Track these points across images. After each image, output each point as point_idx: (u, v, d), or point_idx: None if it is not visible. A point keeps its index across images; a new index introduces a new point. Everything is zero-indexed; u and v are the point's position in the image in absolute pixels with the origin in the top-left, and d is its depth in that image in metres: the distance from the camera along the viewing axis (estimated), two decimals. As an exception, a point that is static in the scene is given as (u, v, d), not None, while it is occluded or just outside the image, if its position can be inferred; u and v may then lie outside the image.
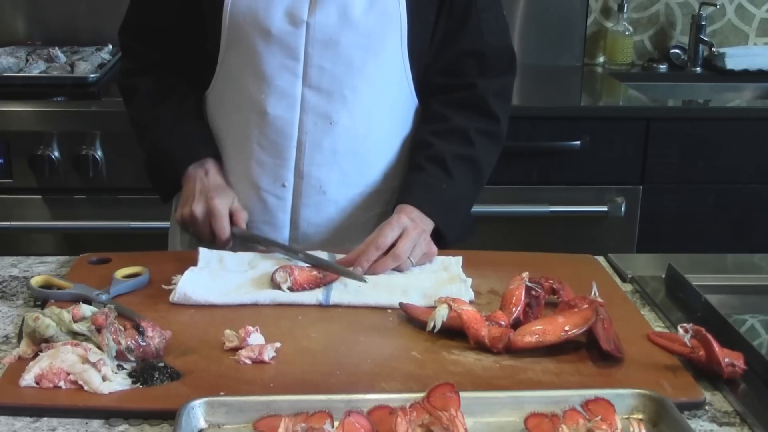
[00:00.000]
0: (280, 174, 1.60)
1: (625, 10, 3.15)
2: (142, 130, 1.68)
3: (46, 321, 1.18)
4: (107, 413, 1.07)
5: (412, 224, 1.49)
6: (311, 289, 1.38)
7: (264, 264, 1.46)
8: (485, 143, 1.62)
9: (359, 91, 1.56)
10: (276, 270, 1.39)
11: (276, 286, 1.37)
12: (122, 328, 1.17)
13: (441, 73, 1.63)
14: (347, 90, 1.56)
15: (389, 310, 1.34)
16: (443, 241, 1.57)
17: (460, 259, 1.50)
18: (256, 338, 1.20)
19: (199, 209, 1.56)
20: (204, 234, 1.57)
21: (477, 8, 1.60)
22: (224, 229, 1.54)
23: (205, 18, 1.60)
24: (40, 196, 2.49)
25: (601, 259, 1.59)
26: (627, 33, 3.17)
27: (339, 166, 1.59)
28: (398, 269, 1.46)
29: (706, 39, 3.15)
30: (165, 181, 1.67)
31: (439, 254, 1.52)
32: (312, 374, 1.15)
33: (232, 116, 1.62)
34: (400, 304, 1.33)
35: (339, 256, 1.48)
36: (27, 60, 2.70)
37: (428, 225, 1.54)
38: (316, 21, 1.52)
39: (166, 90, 1.66)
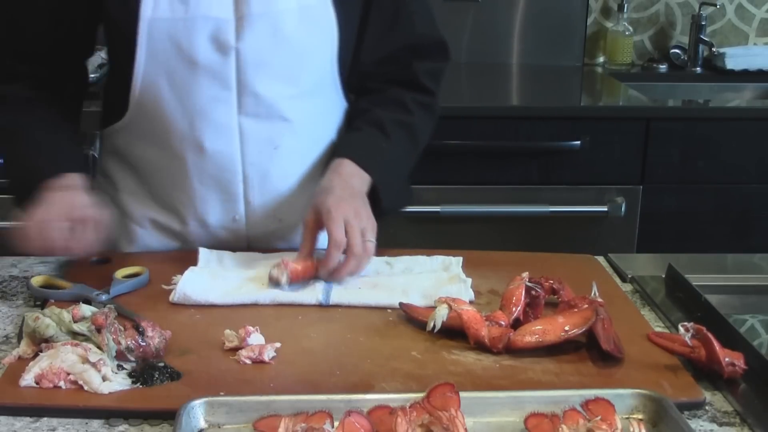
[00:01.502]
0: (228, 208, 1.53)
1: (625, 10, 3.16)
2: (3, 138, 1.52)
3: (46, 321, 1.18)
4: (107, 413, 1.07)
5: (349, 205, 1.41)
6: (310, 278, 1.38)
7: (264, 264, 1.46)
8: (422, 113, 1.60)
9: (296, 109, 1.51)
10: (271, 269, 1.38)
11: (275, 283, 1.37)
12: (122, 328, 1.17)
13: (376, 64, 1.60)
14: (286, 112, 1.49)
15: (389, 310, 1.34)
16: (378, 206, 1.48)
17: (460, 259, 1.50)
18: (256, 338, 1.20)
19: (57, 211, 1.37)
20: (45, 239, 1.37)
21: (405, 1, 1.57)
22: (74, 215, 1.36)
23: (107, 46, 1.50)
24: (40, 196, 2.49)
25: (601, 259, 1.59)
26: (627, 33, 3.17)
27: (291, 190, 1.54)
28: (359, 266, 1.41)
29: (706, 39, 3.16)
30: (21, 194, 1.46)
31: (439, 254, 1.52)
32: (312, 374, 1.15)
33: (160, 152, 1.51)
34: (400, 304, 1.33)
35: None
36: (27, 60, 2.70)
37: (364, 184, 1.48)
38: (246, 45, 1.43)
39: (36, 100, 1.51)
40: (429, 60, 1.62)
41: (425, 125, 1.62)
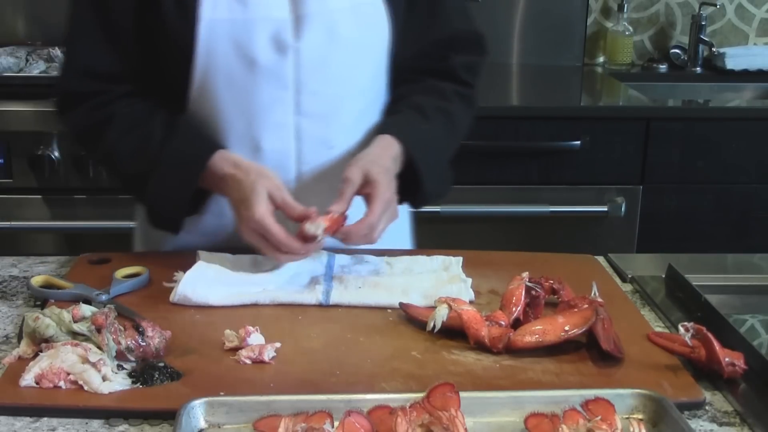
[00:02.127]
0: None
1: (625, 10, 3.15)
2: (130, 153, 1.46)
3: (46, 321, 1.18)
4: (107, 413, 1.07)
5: (391, 186, 1.41)
6: (337, 230, 1.37)
7: (264, 264, 1.46)
8: (460, 103, 1.59)
9: (353, 108, 1.51)
10: (304, 224, 1.35)
11: (311, 238, 1.34)
12: (122, 328, 1.17)
13: (413, 58, 1.59)
14: (343, 111, 1.50)
15: (389, 310, 1.34)
16: (421, 188, 1.49)
17: (460, 259, 1.50)
18: (256, 338, 1.20)
19: (250, 236, 1.37)
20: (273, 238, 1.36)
21: None
22: (257, 210, 1.34)
23: (166, 53, 1.45)
24: (40, 196, 2.49)
25: (601, 259, 1.59)
26: (627, 33, 3.17)
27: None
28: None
29: (706, 39, 3.16)
30: (179, 201, 1.45)
31: (439, 254, 1.52)
32: (312, 374, 1.15)
33: None
34: (400, 304, 1.33)
35: (339, 256, 1.48)
36: (27, 60, 2.70)
37: (397, 163, 1.45)
38: (304, 44, 1.44)
39: (147, 108, 1.48)
40: (466, 53, 1.62)
41: (464, 114, 1.61)
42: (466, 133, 1.63)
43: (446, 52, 1.60)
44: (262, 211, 1.35)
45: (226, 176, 1.41)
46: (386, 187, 1.40)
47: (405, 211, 1.66)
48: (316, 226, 1.34)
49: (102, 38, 1.47)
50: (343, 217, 1.38)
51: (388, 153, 1.46)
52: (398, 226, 1.53)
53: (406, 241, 1.73)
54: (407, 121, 1.52)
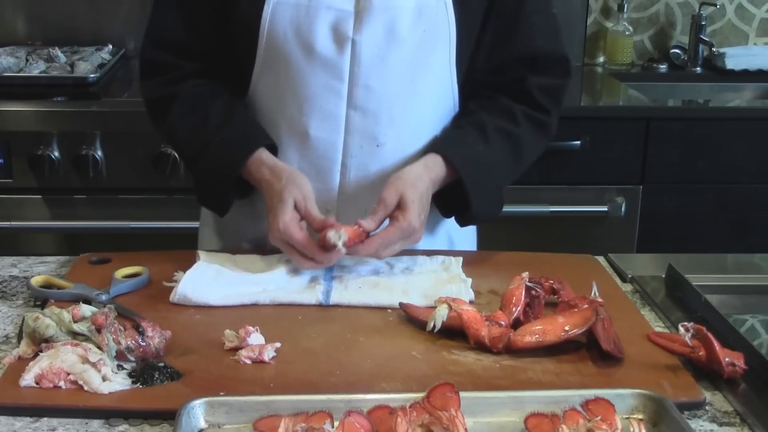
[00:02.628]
0: (323, 198, 1.49)
1: (625, 10, 3.15)
2: (187, 133, 1.53)
3: (46, 321, 1.18)
4: (107, 413, 1.07)
5: (424, 206, 1.41)
6: (361, 242, 1.38)
7: (264, 265, 1.46)
8: (530, 127, 1.55)
9: (408, 109, 1.49)
10: (326, 232, 1.36)
11: (330, 247, 1.35)
12: (122, 328, 1.17)
13: (490, 73, 1.57)
14: (395, 110, 1.48)
15: (389, 310, 1.34)
16: (469, 210, 1.48)
17: (460, 259, 1.50)
18: (256, 338, 1.20)
19: (277, 242, 1.40)
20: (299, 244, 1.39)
21: (527, 11, 1.53)
22: (282, 220, 1.38)
23: (235, 32, 1.50)
24: (40, 196, 2.49)
25: (601, 259, 1.59)
26: (627, 33, 3.17)
27: None
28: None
29: (706, 39, 3.16)
30: (220, 187, 1.49)
31: (438, 254, 1.52)
32: (312, 374, 1.15)
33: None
34: (400, 304, 1.33)
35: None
36: (27, 60, 2.70)
37: (438, 180, 1.46)
38: (363, 38, 1.44)
39: (210, 92, 1.54)
40: (545, 76, 1.56)
41: (533, 140, 1.57)
42: (534, 157, 1.60)
43: (525, 72, 1.55)
44: (287, 220, 1.38)
45: (261, 181, 1.45)
46: (414, 216, 1.40)
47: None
48: (338, 236, 1.35)
49: (179, 14, 1.53)
50: (366, 234, 1.39)
51: (429, 175, 1.45)
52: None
53: (472, 243, 1.74)
54: (464, 140, 1.51)
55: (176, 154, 2.39)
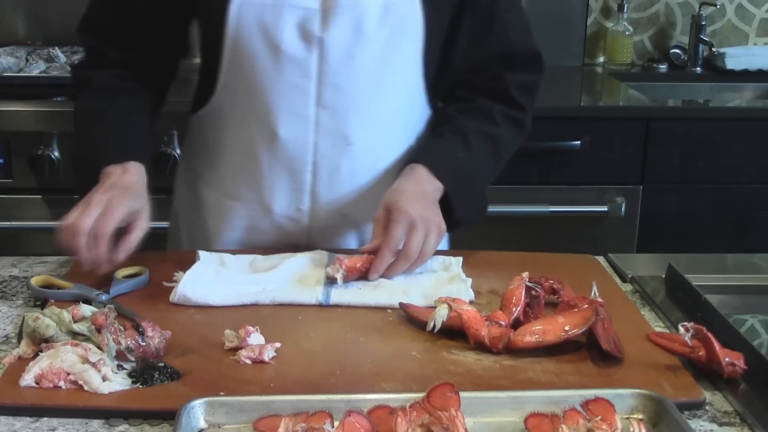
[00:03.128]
0: (294, 198, 1.53)
1: (625, 10, 3.16)
2: (82, 120, 1.54)
3: (46, 321, 1.18)
4: (107, 413, 1.07)
5: (419, 207, 1.42)
6: (362, 273, 1.39)
7: (264, 264, 1.46)
8: (508, 126, 1.57)
9: (377, 107, 1.50)
10: (326, 268, 1.39)
11: (331, 279, 1.37)
12: (122, 328, 1.17)
13: (467, 73, 1.58)
14: (365, 108, 1.49)
15: (389, 310, 1.34)
16: (452, 216, 1.49)
17: (460, 259, 1.50)
18: (256, 338, 1.20)
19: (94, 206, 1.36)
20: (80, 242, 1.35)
21: (500, 9, 1.54)
22: (103, 226, 1.34)
23: (200, 31, 1.51)
24: (40, 196, 2.49)
25: (601, 259, 1.59)
26: (627, 33, 3.17)
27: (358, 187, 1.53)
28: (411, 267, 1.42)
29: (706, 39, 3.16)
30: (84, 176, 1.48)
31: (439, 254, 1.52)
32: (312, 374, 1.15)
33: (236, 137, 1.54)
34: (400, 304, 1.33)
35: (340, 257, 1.48)
36: (27, 60, 2.70)
37: (436, 191, 1.47)
38: (330, 36, 1.44)
39: (121, 89, 1.54)
40: (521, 72, 1.58)
41: (511, 139, 1.59)
42: (511, 155, 1.61)
43: (502, 69, 1.57)
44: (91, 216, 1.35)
45: (109, 174, 1.43)
46: (403, 213, 1.40)
47: None
48: (336, 271, 1.37)
49: (115, 1, 1.53)
50: (366, 258, 1.40)
51: (416, 180, 1.46)
52: None
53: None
54: (445, 148, 1.52)
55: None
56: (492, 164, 1.58)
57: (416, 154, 1.52)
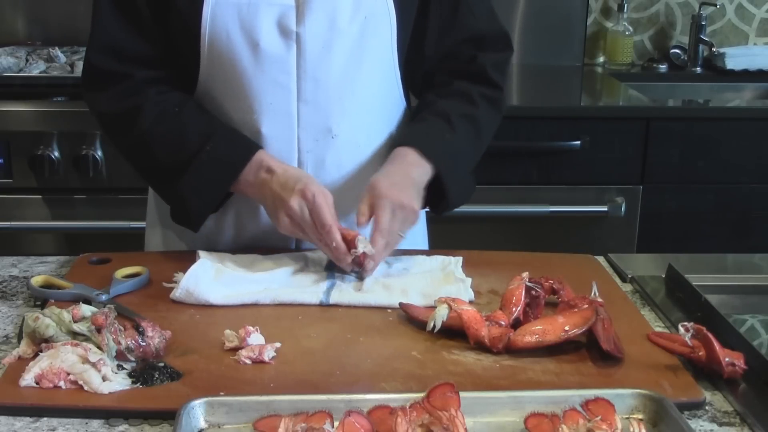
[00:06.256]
0: None
1: (625, 10, 3.16)
2: (165, 145, 1.47)
3: (46, 321, 1.18)
4: (107, 413, 1.07)
5: (400, 193, 1.43)
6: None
7: (265, 264, 1.46)
8: (487, 107, 1.59)
9: (357, 98, 1.51)
10: (357, 243, 1.39)
11: (359, 258, 1.39)
12: (122, 328, 1.17)
13: (441, 59, 1.60)
14: (345, 100, 1.50)
15: (389, 310, 1.34)
16: (445, 197, 1.51)
17: (460, 259, 1.50)
18: (256, 338, 1.20)
19: (296, 203, 1.39)
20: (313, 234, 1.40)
21: None
22: (326, 216, 1.38)
23: (175, 34, 1.48)
24: (40, 196, 2.49)
25: (601, 259, 1.59)
26: (627, 33, 3.17)
27: (344, 179, 1.54)
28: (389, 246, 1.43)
29: (706, 39, 3.16)
30: (205, 200, 1.48)
31: (438, 254, 1.52)
32: (312, 374, 1.15)
33: None
34: (400, 304, 1.33)
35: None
36: (27, 60, 2.70)
37: (424, 174, 1.48)
38: (306, 30, 1.45)
39: (176, 100, 1.49)
40: (493, 52, 1.62)
41: (491, 119, 1.61)
42: (491, 136, 1.63)
43: (475, 51, 1.60)
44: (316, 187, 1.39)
45: (259, 181, 1.44)
46: (385, 198, 1.41)
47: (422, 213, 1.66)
48: (364, 243, 1.38)
49: (123, 18, 1.50)
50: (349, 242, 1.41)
51: (403, 165, 1.47)
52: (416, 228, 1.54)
53: (422, 242, 1.75)
54: (430, 131, 1.53)
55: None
56: (476, 146, 1.60)
57: (403, 138, 1.53)
